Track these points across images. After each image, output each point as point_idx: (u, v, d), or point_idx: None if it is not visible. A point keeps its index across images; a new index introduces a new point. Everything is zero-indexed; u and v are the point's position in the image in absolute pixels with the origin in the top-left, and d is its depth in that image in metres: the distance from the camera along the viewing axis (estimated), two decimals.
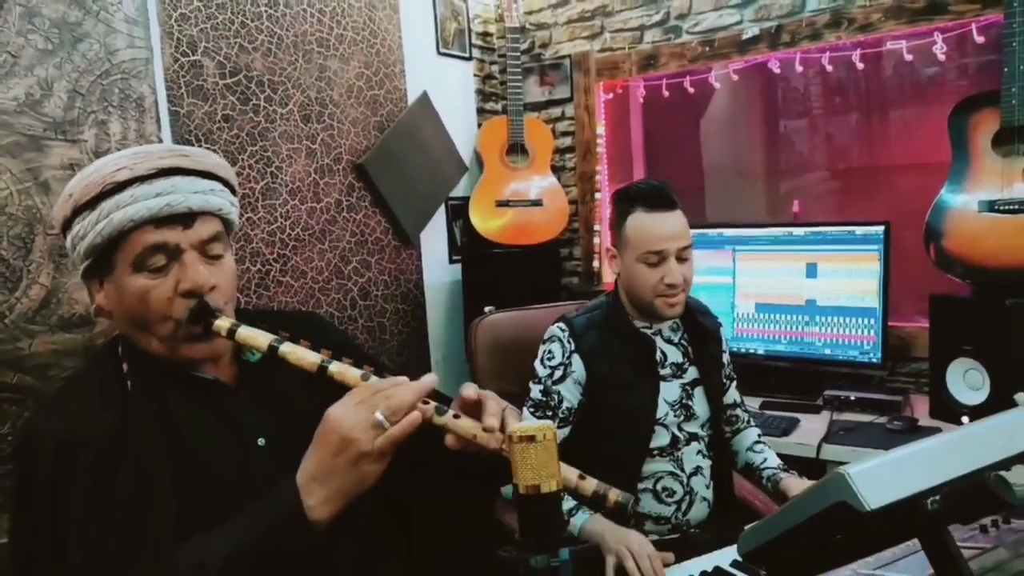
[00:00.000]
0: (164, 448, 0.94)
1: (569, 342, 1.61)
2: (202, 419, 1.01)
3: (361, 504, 0.90)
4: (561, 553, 0.62)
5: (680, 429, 1.61)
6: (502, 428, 0.90)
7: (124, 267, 0.98)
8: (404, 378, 0.93)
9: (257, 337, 0.98)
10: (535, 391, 1.62)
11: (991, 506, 0.69)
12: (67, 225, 0.99)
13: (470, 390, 0.95)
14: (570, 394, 1.60)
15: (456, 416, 0.92)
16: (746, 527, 0.84)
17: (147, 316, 0.98)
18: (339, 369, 0.95)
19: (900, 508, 0.70)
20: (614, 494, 0.80)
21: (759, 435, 1.77)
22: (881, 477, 0.71)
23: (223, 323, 0.99)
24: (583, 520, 1.47)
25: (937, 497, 0.70)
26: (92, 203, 0.96)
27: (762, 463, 1.66)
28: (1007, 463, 0.78)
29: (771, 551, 0.81)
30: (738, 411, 1.78)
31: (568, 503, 1.50)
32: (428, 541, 1.13)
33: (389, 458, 0.88)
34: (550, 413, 1.59)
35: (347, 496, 0.88)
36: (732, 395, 1.78)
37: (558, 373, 1.60)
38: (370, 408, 0.87)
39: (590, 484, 0.82)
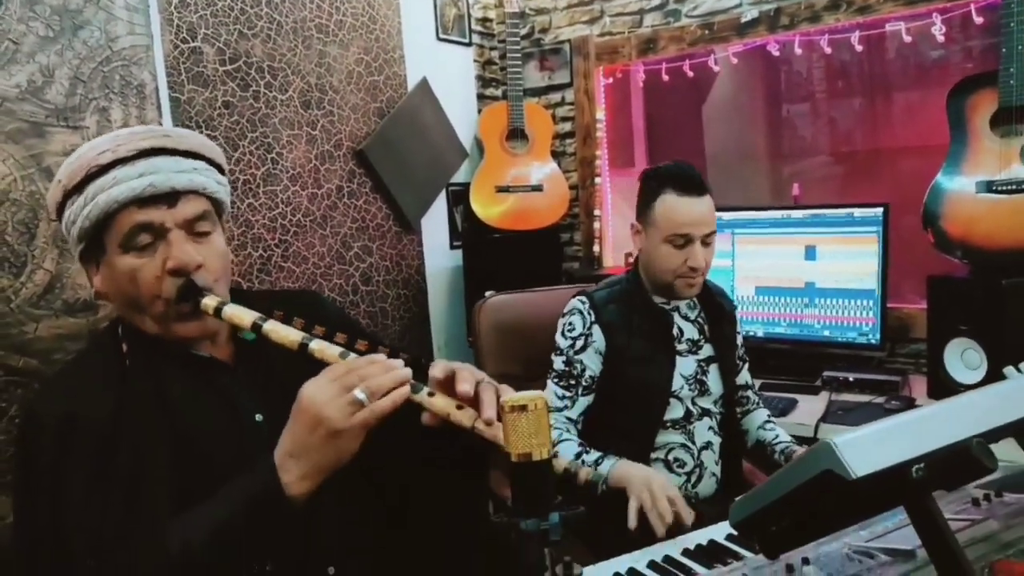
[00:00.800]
0: (160, 426, 0.96)
1: (589, 314, 1.65)
2: (198, 397, 1.02)
3: (342, 477, 0.91)
4: (551, 517, 0.64)
5: (694, 403, 1.65)
6: (476, 405, 0.90)
7: (114, 248, 0.99)
8: (380, 356, 0.93)
9: (243, 315, 0.99)
10: (557, 362, 1.66)
11: (974, 473, 0.70)
12: (60, 211, 1.01)
13: (437, 369, 0.95)
14: (592, 363, 1.64)
15: (431, 394, 0.92)
16: (737, 498, 0.85)
17: (138, 296, 1.00)
18: (319, 347, 0.96)
19: (886, 476, 0.71)
20: (584, 472, 0.82)
21: (768, 415, 1.80)
22: (867, 446, 0.72)
23: (210, 301, 1.00)
24: (610, 466, 1.50)
25: (922, 465, 0.72)
26: (79, 187, 0.98)
27: (774, 439, 1.70)
28: (993, 434, 0.79)
29: (761, 521, 0.82)
30: (749, 392, 1.82)
31: (594, 454, 1.55)
32: (414, 513, 1.14)
33: (365, 435, 0.89)
34: (573, 382, 1.63)
35: (324, 472, 0.89)
36: (744, 376, 1.82)
37: (579, 343, 1.64)
38: (345, 385, 0.88)
39: (560, 463, 0.84)
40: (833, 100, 2.77)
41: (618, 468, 1.49)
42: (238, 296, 1.12)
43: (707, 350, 1.69)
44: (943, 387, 1.98)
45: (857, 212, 2.20)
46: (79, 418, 0.93)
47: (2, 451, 1.58)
